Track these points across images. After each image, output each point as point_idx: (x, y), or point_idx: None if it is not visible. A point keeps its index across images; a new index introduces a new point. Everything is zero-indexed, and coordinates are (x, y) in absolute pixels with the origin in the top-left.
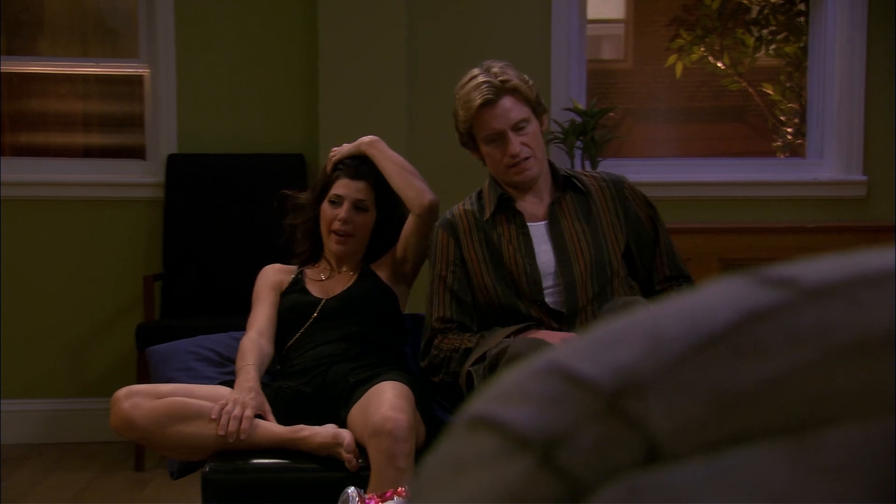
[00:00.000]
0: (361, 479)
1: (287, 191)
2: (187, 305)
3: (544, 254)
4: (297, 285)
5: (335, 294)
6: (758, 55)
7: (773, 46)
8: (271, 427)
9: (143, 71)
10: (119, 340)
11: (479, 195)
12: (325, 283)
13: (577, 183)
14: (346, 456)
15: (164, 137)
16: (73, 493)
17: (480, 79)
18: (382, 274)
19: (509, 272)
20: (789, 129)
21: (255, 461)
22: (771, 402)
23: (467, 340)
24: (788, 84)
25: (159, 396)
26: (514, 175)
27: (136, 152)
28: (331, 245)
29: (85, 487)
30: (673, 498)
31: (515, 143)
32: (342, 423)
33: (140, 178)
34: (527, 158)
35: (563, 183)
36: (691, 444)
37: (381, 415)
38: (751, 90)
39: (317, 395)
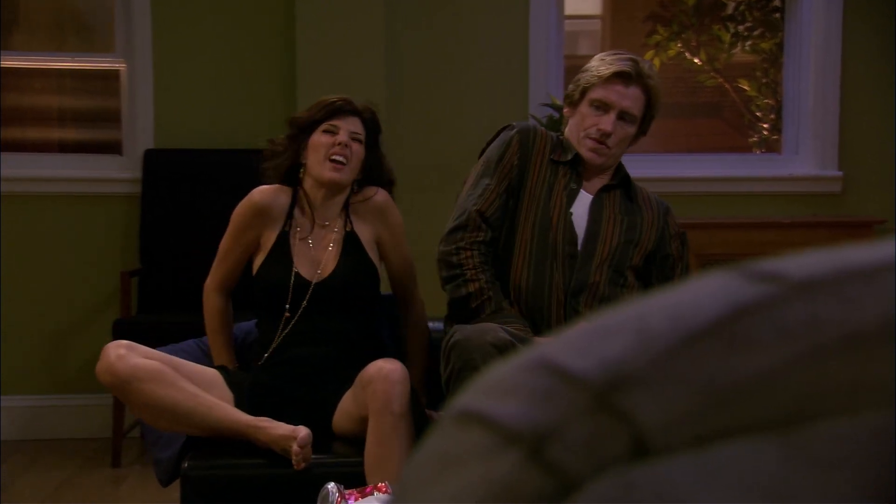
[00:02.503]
0: (345, 476)
1: (272, 139)
2: (164, 301)
3: (579, 217)
4: (283, 245)
5: (323, 277)
6: (734, 51)
7: (749, 42)
8: (234, 413)
9: (119, 66)
10: (96, 336)
11: (562, 139)
12: (308, 247)
13: (631, 188)
14: (295, 449)
15: (140, 133)
16: (50, 489)
17: (631, 58)
18: (365, 237)
19: (552, 206)
20: (765, 125)
21: (235, 458)
22: (760, 395)
23: (477, 291)
24: (764, 80)
25: (149, 358)
26: (585, 147)
27: (113, 147)
28: (325, 173)
29: (62, 484)
30: (663, 491)
31: (610, 123)
32: (328, 417)
33: (117, 173)
34: (605, 144)
35: (620, 181)
36: (681, 437)
37: (376, 366)
38: (727, 86)
39: (297, 395)
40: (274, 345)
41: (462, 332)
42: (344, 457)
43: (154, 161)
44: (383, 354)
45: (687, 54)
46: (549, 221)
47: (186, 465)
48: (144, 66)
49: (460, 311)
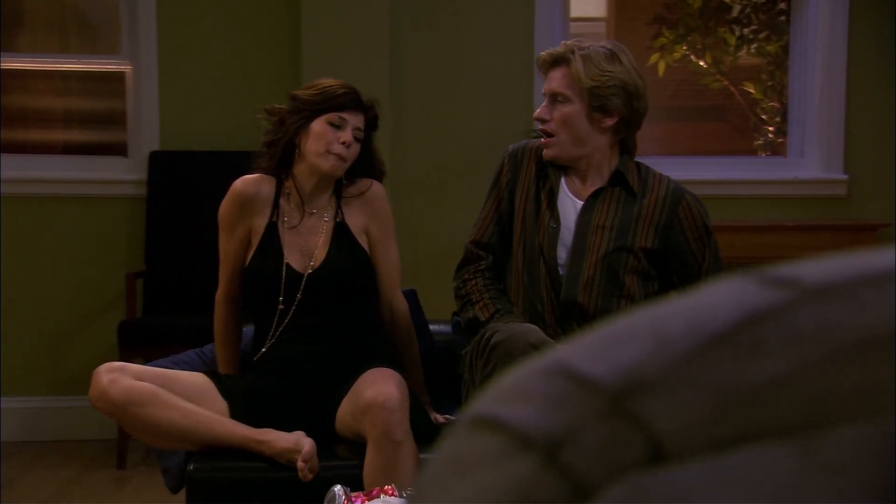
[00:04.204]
0: (351, 478)
1: (270, 107)
2: (169, 303)
3: (568, 231)
4: (271, 235)
5: (315, 268)
6: (739, 54)
7: (754, 45)
8: (235, 427)
9: (124, 67)
10: (101, 338)
11: None
12: (298, 236)
13: (630, 181)
14: (299, 464)
15: (146, 134)
16: (53, 490)
17: (561, 44)
18: (355, 227)
19: (539, 225)
20: (770, 128)
21: (241, 460)
22: (774, 401)
23: (482, 307)
24: (770, 83)
25: (140, 378)
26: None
27: (118, 149)
28: (324, 163)
29: (66, 485)
30: (677, 497)
31: (542, 108)
32: (330, 419)
33: (122, 175)
34: (547, 133)
35: (615, 177)
36: (695, 443)
37: (373, 390)
38: (732, 89)
39: (296, 398)
40: (269, 341)
41: (503, 332)
42: (349, 459)
43: (159, 163)
44: (381, 348)
45: (692, 57)
46: (535, 243)
47: (192, 467)
48: (149, 68)
49: (476, 333)
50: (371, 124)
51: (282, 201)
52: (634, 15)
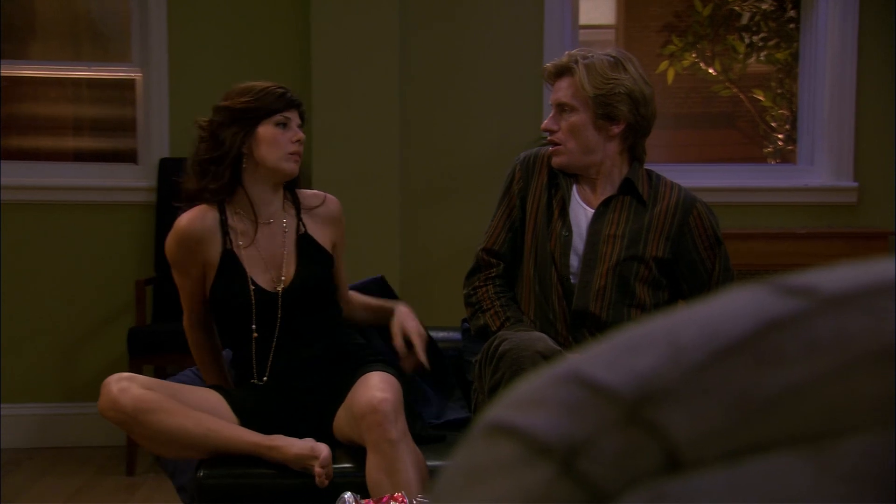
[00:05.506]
0: (360, 485)
1: (200, 122)
2: (179, 309)
3: (579, 240)
4: (230, 261)
5: (287, 283)
6: (749, 61)
7: (764, 53)
8: (246, 434)
9: (135, 75)
10: (111, 345)
11: None
12: (258, 251)
13: (640, 189)
14: (317, 470)
15: (156, 141)
16: (64, 497)
17: (566, 55)
18: (320, 238)
19: (551, 233)
20: (780, 136)
21: (250, 466)
22: (791, 410)
23: (493, 315)
24: (779, 90)
25: (149, 388)
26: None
27: (129, 156)
28: (286, 165)
29: (76, 492)
30: None
31: (550, 119)
32: (328, 427)
33: (132, 182)
34: (556, 142)
35: (623, 186)
36: (712, 452)
37: (366, 396)
38: (742, 96)
39: (300, 411)
40: (268, 362)
41: (511, 340)
42: (356, 466)
43: (169, 170)
44: (364, 343)
45: (702, 64)
46: (547, 251)
47: (202, 473)
48: (160, 76)
49: (486, 341)
50: (302, 119)
51: (231, 223)
52: (644, 23)
